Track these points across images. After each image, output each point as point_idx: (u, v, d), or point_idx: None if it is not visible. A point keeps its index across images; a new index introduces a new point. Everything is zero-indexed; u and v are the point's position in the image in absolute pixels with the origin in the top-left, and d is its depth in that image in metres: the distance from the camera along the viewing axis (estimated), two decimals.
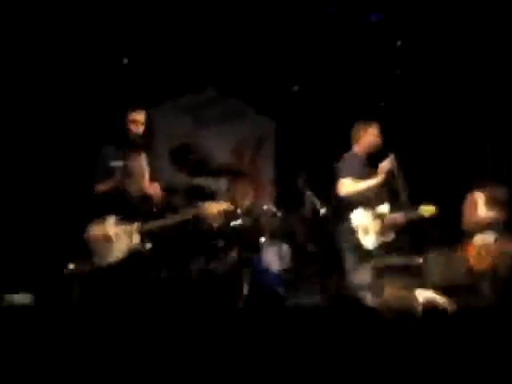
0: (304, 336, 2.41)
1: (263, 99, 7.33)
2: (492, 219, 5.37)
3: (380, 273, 4.70)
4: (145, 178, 4.27)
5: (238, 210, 5.56)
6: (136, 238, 4.10)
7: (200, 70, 6.74)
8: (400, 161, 4.56)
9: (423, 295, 4.11)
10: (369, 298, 4.32)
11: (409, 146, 6.10)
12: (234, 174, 5.88)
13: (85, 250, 4.09)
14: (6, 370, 2.29)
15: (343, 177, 4.55)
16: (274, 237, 5.80)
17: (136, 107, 4.32)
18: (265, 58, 6.73)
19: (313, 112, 7.10)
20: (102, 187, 4.21)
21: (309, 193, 5.81)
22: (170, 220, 4.36)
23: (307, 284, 5.67)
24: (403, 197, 4.47)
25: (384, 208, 4.59)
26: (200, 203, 4.43)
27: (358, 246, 4.44)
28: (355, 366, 2.20)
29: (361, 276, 4.44)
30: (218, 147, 7.02)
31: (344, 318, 2.70)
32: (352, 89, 6.90)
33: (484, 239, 5.29)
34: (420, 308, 3.73)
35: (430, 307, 3.83)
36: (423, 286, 5.10)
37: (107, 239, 4.04)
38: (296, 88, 7.14)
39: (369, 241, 4.47)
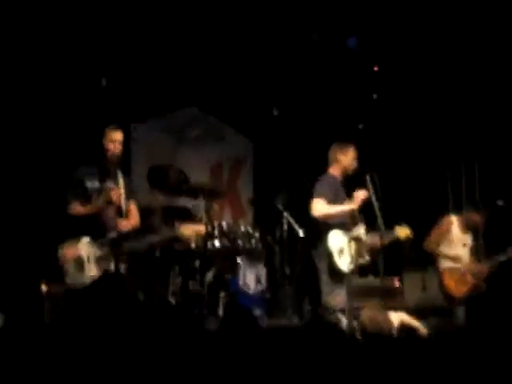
0: (278, 357, 2.40)
1: (242, 120, 7.38)
2: (465, 243, 5.45)
3: (356, 295, 4.71)
4: (121, 199, 4.22)
5: (216, 231, 5.55)
6: (110, 259, 4.06)
7: (182, 89, 6.77)
8: (377, 182, 4.59)
9: (397, 318, 4.13)
10: (344, 321, 4.32)
11: (385, 168, 6.19)
12: (211, 194, 5.87)
13: (57, 270, 4.04)
14: None
15: (316, 197, 4.54)
16: (251, 258, 5.78)
17: (115, 126, 4.29)
18: (245, 80, 6.80)
19: (291, 133, 7.17)
20: (80, 210, 4.15)
21: (286, 214, 5.84)
22: (148, 240, 4.33)
23: (284, 306, 5.65)
24: (379, 219, 4.48)
25: (360, 230, 4.59)
26: (176, 224, 4.41)
27: (334, 268, 4.44)
28: None
29: (336, 298, 4.43)
30: (197, 167, 7.02)
31: (319, 340, 2.70)
32: (330, 111, 6.99)
33: (453, 264, 5.37)
34: (395, 331, 3.75)
35: (405, 330, 3.85)
36: (399, 307, 5.13)
37: (79, 260, 4.00)
38: (276, 112, 7.21)
39: (344, 263, 4.47)
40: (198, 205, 5.62)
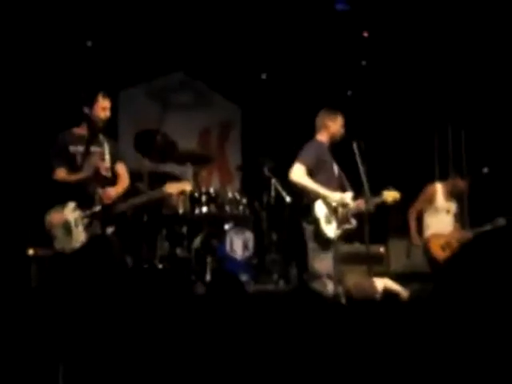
0: (265, 322, 2.44)
1: (230, 86, 7.32)
2: (449, 210, 5.52)
3: (342, 260, 4.76)
4: (105, 163, 4.18)
5: (203, 197, 5.56)
6: (96, 223, 4.06)
7: (169, 54, 6.68)
8: (363, 150, 4.60)
9: (381, 283, 4.20)
10: (330, 286, 4.37)
11: (373, 135, 6.19)
12: (199, 160, 5.86)
13: (45, 235, 4.03)
14: None
15: (298, 162, 4.50)
16: (239, 224, 5.81)
17: (105, 93, 4.22)
18: (233, 45, 6.71)
19: (279, 99, 7.12)
20: (66, 177, 4.10)
21: (274, 180, 5.85)
22: (133, 201, 4.31)
23: (270, 271, 5.71)
24: (365, 186, 4.50)
25: (347, 196, 4.61)
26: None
27: (321, 235, 4.47)
28: (315, 352, 2.24)
29: (323, 264, 4.47)
30: (185, 133, 6.97)
31: (305, 305, 2.74)
32: (318, 77, 6.94)
33: (438, 229, 5.43)
34: (379, 295, 3.82)
35: (387, 295, 3.91)
36: (383, 273, 5.21)
37: (67, 225, 3.99)
38: (264, 76, 7.14)
39: (331, 230, 4.50)
40: (186, 171, 5.60)
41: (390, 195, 4.68)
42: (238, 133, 7.68)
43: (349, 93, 7.22)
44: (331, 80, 6.95)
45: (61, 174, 4.11)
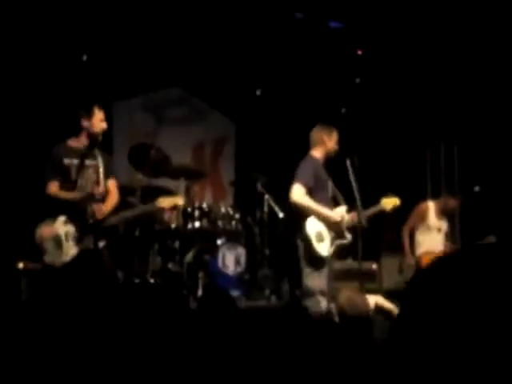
0: (254, 338, 2.42)
1: (225, 101, 7.35)
2: (440, 228, 5.53)
3: (334, 277, 4.74)
4: (99, 177, 4.17)
5: (196, 212, 5.55)
6: (88, 237, 4.03)
7: (165, 69, 6.71)
8: (357, 166, 4.60)
9: (374, 300, 4.19)
10: (323, 303, 4.35)
11: (366, 151, 6.22)
12: (192, 175, 5.86)
13: (35, 248, 4.00)
14: None
15: (297, 182, 4.45)
16: (231, 239, 5.80)
17: (100, 105, 4.23)
18: (228, 60, 6.75)
19: (274, 115, 7.16)
20: (59, 194, 4.08)
21: (267, 196, 5.85)
22: (125, 214, 4.30)
23: (262, 287, 5.68)
24: (358, 201, 4.49)
25: (341, 210, 4.60)
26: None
27: (313, 253, 4.44)
28: (304, 369, 2.23)
29: (316, 281, 4.44)
30: (179, 147, 6.98)
31: (296, 321, 2.73)
32: (312, 94, 6.99)
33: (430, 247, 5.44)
34: (371, 313, 3.80)
35: (380, 312, 3.90)
36: (377, 290, 5.20)
37: (57, 239, 3.97)
38: (258, 92, 7.18)
39: (323, 248, 4.47)
40: (179, 185, 5.60)
41: (389, 202, 4.66)
42: (232, 148, 7.70)
43: (343, 110, 7.26)
44: (325, 97, 7.00)
45: (53, 188, 4.09)
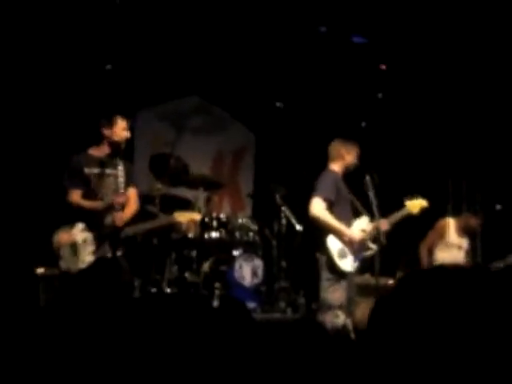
0: (268, 351, 2.41)
1: (245, 112, 7.37)
2: (461, 246, 5.46)
3: (353, 292, 4.69)
4: (119, 186, 4.19)
5: (214, 222, 5.56)
6: (105, 245, 4.05)
7: (185, 78, 6.76)
8: (376, 181, 4.56)
9: None
10: (342, 317, 4.30)
11: (386, 167, 6.18)
12: (211, 185, 5.88)
13: (52, 255, 4.03)
14: None
15: (317, 196, 4.41)
16: (248, 250, 5.79)
17: (123, 115, 4.26)
18: (250, 71, 6.78)
19: (294, 128, 7.15)
20: (80, 203, 4.12)
21: (285, 208, 5.84)
22: (142, 226, 4.32)
23: (278, 299, 5.66)
24: (377, 217, 4.44)
25: (362, 222, 4.55)
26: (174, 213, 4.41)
27: (335, 269, 4.39)
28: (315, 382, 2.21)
29: (335, 295, 4.39)
30: (198, 157, 7.02)
31: (312, 336, 2.70)
32: (333, 107, 6.98)
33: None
34: None
35: None
36: None
37: (74, 245, 3.99)
38: (279, 104, 7.19)
39: (347, 263, 4.41)
40: (198, 195, 5.62)
41: (415, 205, 4.57)
42: (252, 159, 7.70)
43: (363, 124, 7.24)
44: (346, 111, 6.98)
45: (75, 197, 4.11)
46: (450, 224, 5.48)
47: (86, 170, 4.14)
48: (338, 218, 4.45)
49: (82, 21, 5.60)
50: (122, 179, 4.18)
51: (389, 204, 4.83)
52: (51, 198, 4.76)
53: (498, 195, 6.00)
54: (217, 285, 5.34)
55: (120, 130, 4.18)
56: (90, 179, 4.14)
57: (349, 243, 4.44)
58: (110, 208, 4.09)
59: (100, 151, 4.23)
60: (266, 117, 7.27)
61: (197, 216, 4.51)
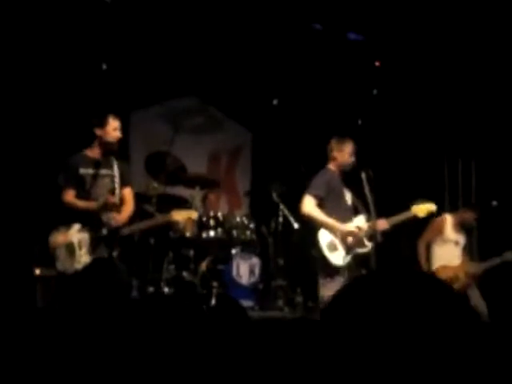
0: (265, 349, 2.42)
1: (241, 110, 7.37)
2: (457, 242, 5.47)
3: None
4: (114, 186, 4.19)
5: (211, 221, 5.56)
6: (102, 246, 4.05)
7: (182, 78, 6.76)
8: (372, 179, 4.58)
9: None
10: None
11: (383, 164, 6.19)
12: (208, 184, 5.88)
13: (48, 256, 4.04)
14: None
15: (309, 194, 4.53)
16: (246, 249, 5.79)
17: (115, 115, 4.26)
18: (245, 70, 6.78)
19: (291, 126, 7.16)
20: (73, 201, 4.12)
21: (282, 206, 5.84)
22: (138, 226, 4.33)
23: (276, 297, 5.66)
24: (373, 214, 4.48)
25: (360, 220, 4.60)
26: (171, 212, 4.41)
27: (327, 263, 4.44)
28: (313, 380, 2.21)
29: (331, 290, 4.41)
30: (195, 156, 7.01)
31: (308, 332, 2.71)
32: (329, 104, 6.98)
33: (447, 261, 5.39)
34: None
35: None
36: None
37: (70, 246, 3.99)
38: (275, 102, 7.19)
39: (337, 257, 4.47)
40: (194, 194, 5.62)
41: (423, 209, 4.63)
42: (248, 157, 7.71)
43: (359, 121, 7.25)
44: (342, 108, 6.99)
45: (69, 196, 4.12)
46: (447, 220, 5.50)
47: (82, 171, 4.15)
48: (329, 214, 4.52)
49: (79, 21, 5.59)
50: (116, 179, 4.18)
51: (385, 201, 4.84)
52: (48, 199, 4.75)
53: (494, 191, 6.01)
54: (214, 284, 5.35)
55: (112, 129, 4.18)
56: (84, 180, 4.15)
57: (342, 238, 4.49)
58: (105, 208, 4.09)
59: (94, 152, 4.23)
60: (263, 115, 7.27)
61: (194, 214, 4.52)
